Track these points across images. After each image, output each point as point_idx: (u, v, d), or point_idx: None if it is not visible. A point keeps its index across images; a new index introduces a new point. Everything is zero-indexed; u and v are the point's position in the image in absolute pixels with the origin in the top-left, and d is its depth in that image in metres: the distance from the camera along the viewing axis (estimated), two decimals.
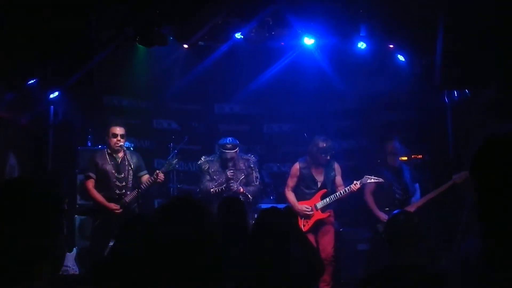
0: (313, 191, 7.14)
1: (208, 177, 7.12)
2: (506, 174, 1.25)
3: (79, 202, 7.70)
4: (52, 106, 8.09)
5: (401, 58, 8.18)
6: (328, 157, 7.07)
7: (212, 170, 7.13)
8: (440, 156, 8.26)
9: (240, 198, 6.11)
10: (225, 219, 4.71)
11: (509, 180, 1.24)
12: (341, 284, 7.50)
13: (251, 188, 7.15)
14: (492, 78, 6.84)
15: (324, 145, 7.02)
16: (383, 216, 6.84)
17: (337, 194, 7.02)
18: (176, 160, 7.09)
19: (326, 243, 7.02)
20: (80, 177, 7.63)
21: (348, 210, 7.88)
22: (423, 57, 7.73)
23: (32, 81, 7.36)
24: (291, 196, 7.24)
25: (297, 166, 7.26)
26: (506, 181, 1.24)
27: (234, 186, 7.00)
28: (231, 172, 7.04)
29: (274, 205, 5.63)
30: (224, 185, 7.01)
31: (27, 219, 1.74)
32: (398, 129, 8.46)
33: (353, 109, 9.20)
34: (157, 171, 6.76)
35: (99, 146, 7.66)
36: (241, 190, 7.05)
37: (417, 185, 7.16)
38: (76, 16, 6.78)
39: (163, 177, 6.81)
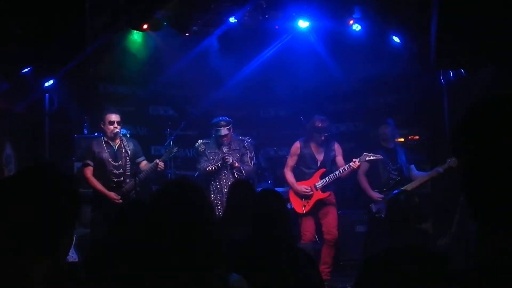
0: (313, 170, 7.10)
1: (205, 158, 7.09)
2: (498, 143, 1.11)
3: None
4: (47, 95, 8.04)
5: (396, 39, 8.15)
6: (323, 138, 7.04)
7: (209, 151, 7.09)
8: (437, 137, 8.27)
9: (249, 182, 5.91)
10: (235, 202, 4.72)
11: (501, 151, 1.11)
12: (340, 266, 7.54)
13: (245, 167, 7.07)
14: (488, 57, 6.80)
15: (320, 125, 7.00)
16: (376, 195, 6.91)
17: (337, 173, 6.95)
18: (176, 148, 7.07)
19: (330, 224, 7.01)
20: (77, 165, 7.62)
21: (346, 192, 7.89)
22: (418, 38, 7.70)
23: (26, 69, 7.32)
24: (290, 176, 7.18)
25: (297, 145, 7.21)
26: (498, 153, 1.11)
27: (230, 159, 6.92)
28: (227, 148, 6.99)
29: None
30: (220, 162, 6.95)
31: (44, 209, 1.70)
32: (394, 110, 8.44)
33: (349, 92, 9.16)
34: (157, 161, 6.72)
35: (95, 134, 7.64)
36: (236, 164, 6.95)
37: (413, 166, 7.16)
38: (71, 3, 6.73)
39: (163, 166, 6.78)
